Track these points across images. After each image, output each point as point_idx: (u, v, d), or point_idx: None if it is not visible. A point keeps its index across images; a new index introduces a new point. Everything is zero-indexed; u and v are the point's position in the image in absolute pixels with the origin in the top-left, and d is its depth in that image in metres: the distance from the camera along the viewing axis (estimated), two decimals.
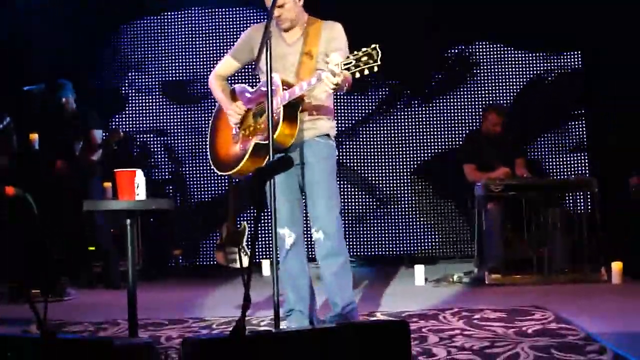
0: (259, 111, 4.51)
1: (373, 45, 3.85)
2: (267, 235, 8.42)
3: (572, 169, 8.88)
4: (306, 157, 4.53)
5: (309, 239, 4.73)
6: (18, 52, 8.68)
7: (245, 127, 4.58)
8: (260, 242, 8.65)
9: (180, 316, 5.40)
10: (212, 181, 9.25)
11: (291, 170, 4.36)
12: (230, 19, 9.32)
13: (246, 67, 4.95)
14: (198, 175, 9.30)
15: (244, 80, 7.79)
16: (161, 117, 9.39)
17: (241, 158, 4.48)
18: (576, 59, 8.97)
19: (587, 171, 8.80)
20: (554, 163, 8.92)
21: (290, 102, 4.31)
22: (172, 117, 9.38)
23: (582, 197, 7.55)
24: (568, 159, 8.92)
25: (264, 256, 8.39)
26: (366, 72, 3.88)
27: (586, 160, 8.87)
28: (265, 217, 7.89)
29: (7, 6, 8.67)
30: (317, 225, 4.50)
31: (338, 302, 4.53)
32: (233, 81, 5.55)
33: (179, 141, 9.35)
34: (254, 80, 4.94)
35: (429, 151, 9.09)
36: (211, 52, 9.29)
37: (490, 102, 8.75)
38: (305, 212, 4.63)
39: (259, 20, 9.05)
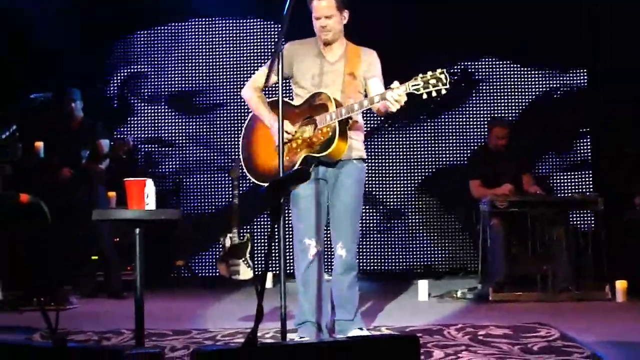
0: (308, 125, 4.62)
1: (441, 70, 4.20)
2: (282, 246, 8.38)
3: (577, 186, 8.87)
4: (340, 176, 4.70)
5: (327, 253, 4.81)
6: (25, 60, 8.69)
7: (293, 139, 4.63)
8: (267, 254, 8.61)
9: (184, 327, 5.39)
10: (216, 192, 9.25)
11: (324, 185, 4.71)
12: (238, 30, 9.33)
13: None
14: (201, 185, 9.29)
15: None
16: (166, 128, 9.39)
17: (289, 169, 4.44)
18: (581, 77, 8.98)
19: (591, 188, 8.79)
20: (559, 180, 8.92)
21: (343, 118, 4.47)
22: (177, 127, 9.38)
23: (587, 214, 7.54)
24: (573, 176, 8.92)
25: (270, 268, 8.33)
26: (434, 94, 4.20)
27: (591, 178, 8.87)
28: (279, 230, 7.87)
29: (15, 13, 8.68)
30: (341, 243, 4.70)
31: (351, 310, 4.75)
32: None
33: (184, 151, 9.35)
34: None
35: (434, 166, 9.09)
36: (218, 63, 9.30)
37: (499, 116, 8.75)
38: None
39: (266, 31, 9.12)
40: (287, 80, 4.79)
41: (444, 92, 4.21)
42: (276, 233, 2.77)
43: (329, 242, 4.82)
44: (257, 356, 2.39)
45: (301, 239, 4.68)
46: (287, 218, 4.85)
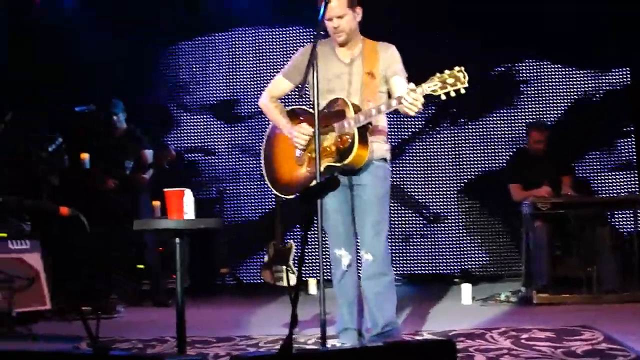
0: (328, 133, 4.45)
1: (459, 68, 3.96)
2: (314, 254, 8.44)
3: (622, 187, 8.76)
4: (362, 179, 4.51)
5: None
6: (70, 73, 8.84)
7: (313, 149, 4.32)
8: (307, 261, 8.67)
9: (228, 334, 5.43)
10: (259, 200, 9.31)
11: (347, 192, 4.55)
12: (278, 38, 9.40)
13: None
14: (244, 193, 9.36)
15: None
16: (208, 136, 9.49)
17: (310, 181, 4.43)
18: (625, 76, 8.87)
19: (637, 189, 8.67)
20: (603, 181, 8.81)
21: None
22: (219, 136, 9.47)
23: (631, 214, 7.43)
24: (617, 176, 8.81)
25: (311, 275, 8.37)
26: (452, 94, 3.97)
27: (636, 178, 8.75)
28: (315, 237, 7.91)
29: (61, 27, 8.85)
30: (365, 247, 4.52)
31: (378, 322, 4.54)
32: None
33: (226, 160, 9.44)
34: (299, 101, 4.90)
35: (476, 170, 9.04)
36: (257, 71, 9.37)
37: (537, 119, 8.67)
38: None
39: (306, 39, 9.14)
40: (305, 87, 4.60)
41: (462, 91, 3.97)
42: (310, 241, 2.76)
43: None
44: None
45: (332, 250, 4.60)
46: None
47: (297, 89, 4.72)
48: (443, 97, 4.00)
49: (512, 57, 9.04)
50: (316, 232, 4.06)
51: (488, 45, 8.74)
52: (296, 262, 8.13)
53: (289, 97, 5.17)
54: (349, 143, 4.30)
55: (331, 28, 4.50)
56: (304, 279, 8.36)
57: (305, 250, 2.76)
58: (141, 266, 7.77)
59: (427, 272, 8.99)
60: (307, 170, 4.50)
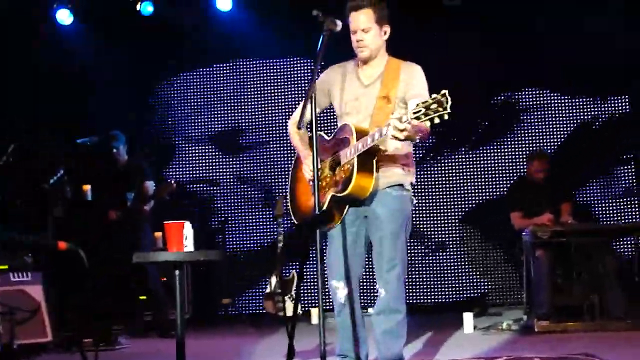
0: (334, 162, 4.32)
1: (443, 92, 3.69)
2: (320, 282, 8.42)
3: (623, 215, 8.76)
4: (375, 208, 4.31)
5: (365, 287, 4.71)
6: (70, 105, 8.92)
7: (322, 178, 4.31)
8: (310, 291, 8.68)
9: None
10: (261, 230, 9.32)
11: (360, 223, 4.34)
12: (281, 69, 9.46)
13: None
14: (247, 223, 9.38)
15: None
16: (211, 167, 9.53)
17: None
18: (624, 103, 8.91)
19: (638, 217, 8.68)
20: (604, 208, 8.82)
21: (365, 151, 4.10)
22: (221, 166, 9.51)
23: (633, 242, 7.44)
24: (618, 204, 8.81)
25: (313, 305, 8.35)
26: (436, 120, 3.70)
27: (637, 206, 8.76)
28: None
29: (66, 60, 8.94)
30: (379, 282, 4.34)
31: (384, 359, 4.38)
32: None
33: (228, 190, 9.47)
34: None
35: (477, 198, 9.05)
36: (261, 102, 9.43)
37: (538, 148, 8.70)
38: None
39: (308, 69, 9.20)
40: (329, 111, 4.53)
41: (446, 117, 3.67)
42: (308, 272, 2.75)
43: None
44: None
45: (330, 281, 4.39)
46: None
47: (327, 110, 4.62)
48: (428, 124, 3.76)
49: (512, 86, 9.08)
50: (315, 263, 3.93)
51: (488, 74, 8.81)
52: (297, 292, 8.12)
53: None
54: (349, 173, 4.13)
55: (354, 42, 4.30)
56: (306, 309, 8.35)
57: (303, 282, 2.77)
58: (144, 297, 7.77)
59: (428, 301, 8.98)
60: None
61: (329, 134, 4.47)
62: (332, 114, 4.73)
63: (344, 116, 4.37)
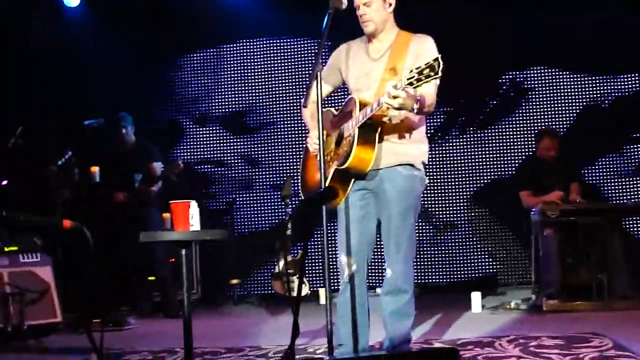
0: (340, 136, 4.29)
1: (435, 56, 3.70)
2: (326, 262, 8.42)
3: (633, 194, 8.73)
4: (384, 186, 4.24)
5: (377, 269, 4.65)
6: (78, 87, 8.91)
7: (328, 153, 4.31)
8: (319, 271, 8.68)
9: (237, 345, 5.45)
10: (269, 210, 9.33)
11: (370, 198, 4.29)
12: (288, 49, 9.43)
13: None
14: (254, 204, 9.39)
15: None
16: (218, 148, 9.52)
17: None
18: (634, 81, 8.85)
19: None
20: (614, 187, 8.79)
21: (365, 123, 4.06)
22: (228, 147, 9.50)
23: None
24: (628, 183, 8.78)
25: (322, 285, 8.35)
26: (431, 87, 3.73)
27: None
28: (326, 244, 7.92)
29: (67, 42, 8.92)
30: (387, 262, 4.30)
31: (391, 339, 4.34)
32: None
33: (236, 171, 9.47)
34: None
35: (485, 178, 9.03)
36: (268, 83, 9.41)
37: (547, 127, 8.66)
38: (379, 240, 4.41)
39: (316, 50, 9.16)
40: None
41: (437, 82, 3.78)
42: (312, 250, 2.72)
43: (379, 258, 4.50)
44: None
45: (338, 255, 4.32)
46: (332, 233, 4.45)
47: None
48: (420, 91, 3.80)
49: (521, 65, 9.03)
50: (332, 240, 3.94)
51: (497, 53, 8.75)
52: (304, 271, 8.15)
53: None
54: (350, 145, 4.09)
55: (359, 17, 4.25)
56: (315, 289, 8.37)
57: (314, 262, 2.74)
58: (152, 278, 7.80)
59: (437, 280, 8.99)
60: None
61: (338, 110, 4.45)
62: (344, 90, 4.70)
63: (355, 93, 4.31)
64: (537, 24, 8.64)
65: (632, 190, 8.72)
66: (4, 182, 7.26)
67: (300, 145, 7.40)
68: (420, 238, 8.99)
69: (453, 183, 9.06)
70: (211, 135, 9.55)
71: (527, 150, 8.79)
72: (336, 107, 4.53)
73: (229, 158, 9.49)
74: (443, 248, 9.03)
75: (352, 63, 4.31)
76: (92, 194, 7.58)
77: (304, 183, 4.57)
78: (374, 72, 4.26)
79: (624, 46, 8.55)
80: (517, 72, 9.06)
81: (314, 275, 8.78)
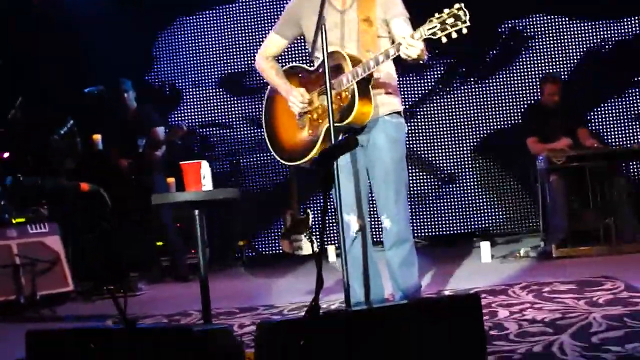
0: (320, 92, 4.12)
1: (458, 6, 3.57)
2: (332, 220, 8.44)
3: (634, 138, 8.72)
4: (375, 137, 4.17)
5: (373, 223, 4.65)
6: (76, 55, 8.84)
7: (313, 110, 4.19)
8: (326, 229, 8.67)
9: (250, 304, 5.47)
10: (273, 170, 9.31)
11: (357, 152, 4.16)
12: (284, 6, 9.32)
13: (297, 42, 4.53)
14: (258, 165, 9.37)
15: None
16: (219, 110, 9.48)
17: (313, 145, 4.13)
18: (635, 25, 8.79)
19: None
20: (616, 132, 8.77)
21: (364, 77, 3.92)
22: (229, 109, 9.47)
23: None
24: (630, 127, 8.77)
25: (329, 242, 8.37)
26: (454, 35, 3.56)
27: None
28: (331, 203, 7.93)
29: (62, 10, 8.84)
30: (385, 213, 4.21)
31: (403, 289, 4.29)
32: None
33: (238, 133, 9.44)
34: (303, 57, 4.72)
35: (489, 127, 9.02)
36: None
37: (549, 73, 8.62)
38: (371, 195, 4.36)
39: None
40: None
41: (464, 31, 3.53)
42: (328, 206, 2.66)
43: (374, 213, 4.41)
44: (320, 324, 2.43)
45: (339, 214, 3.93)
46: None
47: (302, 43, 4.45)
48: (444, 40, 3.59)
49: (520, 12, 8.96)
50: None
51: (496, 0, 8.67)
52: (316, 229, 8.15)
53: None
54: (349, 100, 3.95)
55: None
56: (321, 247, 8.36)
57: (325, 216, 2.71)
58: (160, 243, 7.82)
59: (444, 232, 9.01)
60: (309, 133, 4.19)
61: (311, 65, 4.29)
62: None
63: (322, 47, 3.99)
64: None
65: (635, 134, 8.71)
66: (6, 155, 7.23)
67: None
68: (426, 190, 9.00)
69: (457, 134, 9.05)
70: (212, 98, 9.50)
71: (530, 98, 8.77)
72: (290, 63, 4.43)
73: (230, 120, 9.45)
74: (448, 199, 9.03)
75: (313, 16, 3.90)
76: (96, 162, 7.55)
77: (280, 145, 4.40)
78: (346, 24, 4.13)
79: None
80: (517, 20, 8.99)
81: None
